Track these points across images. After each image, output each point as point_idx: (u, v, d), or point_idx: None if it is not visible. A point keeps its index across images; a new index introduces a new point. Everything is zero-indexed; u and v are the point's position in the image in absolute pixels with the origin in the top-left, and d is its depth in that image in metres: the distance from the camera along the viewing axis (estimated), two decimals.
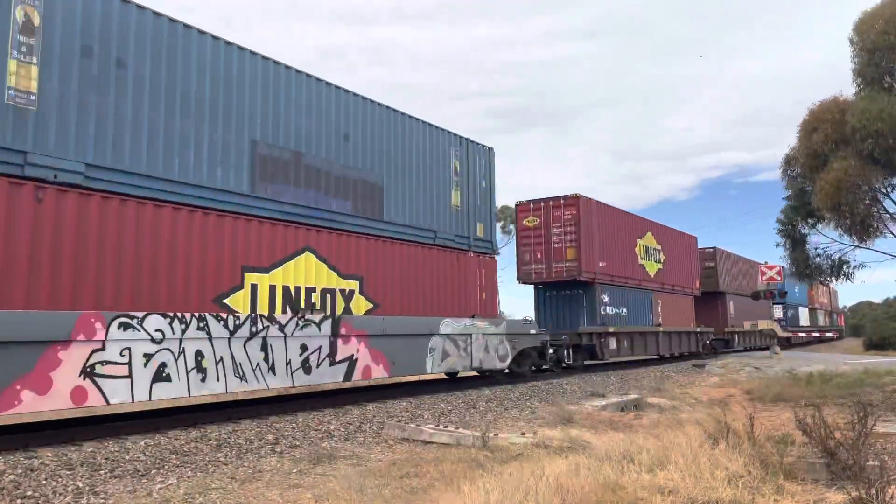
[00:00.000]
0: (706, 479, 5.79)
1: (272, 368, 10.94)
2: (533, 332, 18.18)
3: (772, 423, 9.91)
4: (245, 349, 10.56)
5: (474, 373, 17.02)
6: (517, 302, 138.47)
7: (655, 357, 27.36)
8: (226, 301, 10.57)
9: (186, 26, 10.42)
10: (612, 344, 22.92)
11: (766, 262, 32.63)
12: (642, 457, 6.60)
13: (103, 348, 8.67)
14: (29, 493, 6.29)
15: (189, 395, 9.72)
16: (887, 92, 12.90)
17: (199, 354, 9.85)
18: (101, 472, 7.05)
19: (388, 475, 7.12)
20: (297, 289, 11.82)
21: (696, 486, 5.63)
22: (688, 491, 5.49)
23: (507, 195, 65.64)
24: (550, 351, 19.32)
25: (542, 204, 22.76)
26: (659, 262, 28.25)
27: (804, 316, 52.00)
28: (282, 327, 11.19)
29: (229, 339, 10.30)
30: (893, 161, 13.12)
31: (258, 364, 10.73)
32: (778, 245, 17.39)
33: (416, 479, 6.81)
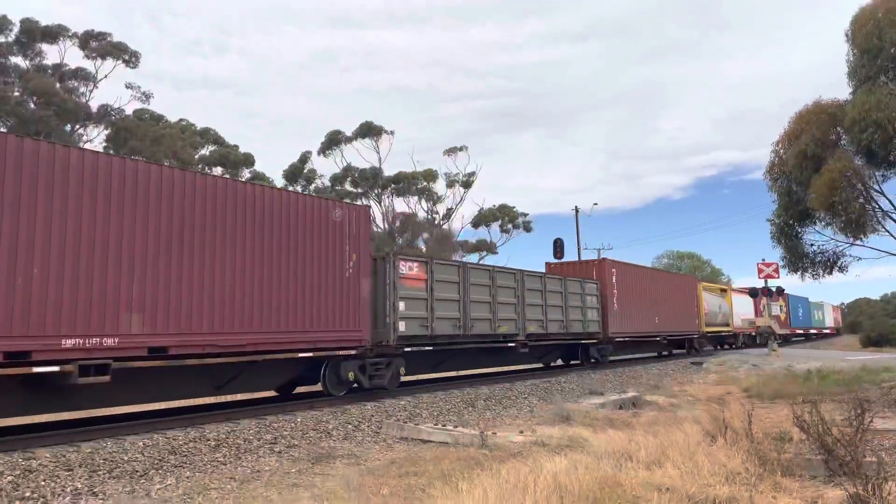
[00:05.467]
0: (704, 477, 5.81)
1: None
2: None
3: (770, 419, 9.92)
4: None
5: None
6: None
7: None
8: None
9: None
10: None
11: (763, 260, 32.50)
12: (640, 454, 6.62)
13: None
14: (27, 494, 6.29)
15: None
16: (882, 88, 13.08)
17: None
18: (100, 472, 7.05)
19: (386, 474, 7.13)
20: None
21: (693, 483, 5.65)
22: (685, 488, 5.50)
23: (502, 196, 65.67)
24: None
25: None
26: None
27: None
28: None
29: None
30: (890, 152, 13.27)
31: None
32: (774, 246, 17.46)
33: (414, 478, 6.81)
